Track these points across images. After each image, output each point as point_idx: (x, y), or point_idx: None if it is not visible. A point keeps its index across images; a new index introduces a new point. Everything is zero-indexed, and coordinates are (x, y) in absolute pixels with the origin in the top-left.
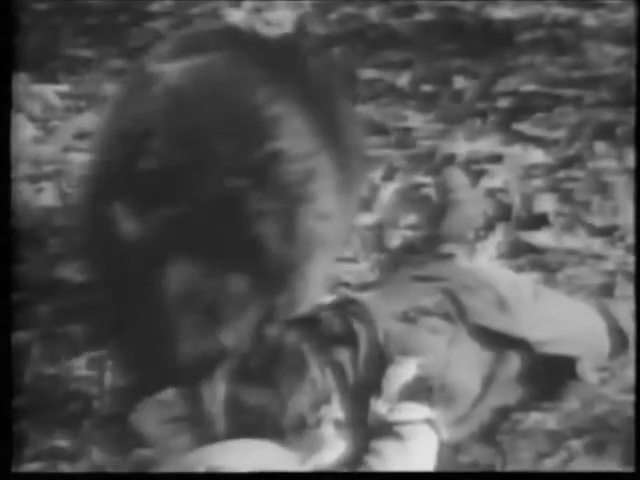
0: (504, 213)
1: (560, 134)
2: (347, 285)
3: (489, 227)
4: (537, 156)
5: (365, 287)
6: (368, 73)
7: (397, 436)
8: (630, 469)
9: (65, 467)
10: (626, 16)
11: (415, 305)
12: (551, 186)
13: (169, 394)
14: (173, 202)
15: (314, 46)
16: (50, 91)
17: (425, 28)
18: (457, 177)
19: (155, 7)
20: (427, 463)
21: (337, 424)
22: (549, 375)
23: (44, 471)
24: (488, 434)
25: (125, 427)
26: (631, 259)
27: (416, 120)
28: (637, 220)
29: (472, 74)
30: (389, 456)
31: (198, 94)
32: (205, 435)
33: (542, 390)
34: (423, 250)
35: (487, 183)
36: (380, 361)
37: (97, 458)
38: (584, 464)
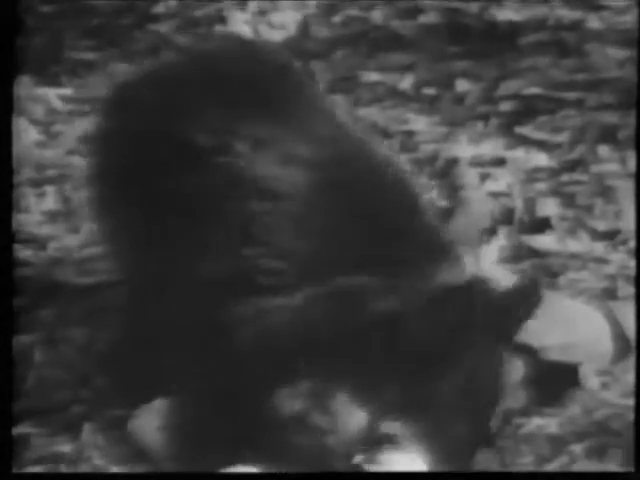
0: (507, 217)
1: (563, 137)
2: None
3: (492, 231)
4: (540, 159)
5: None
6: (371, 76)
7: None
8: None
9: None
10: (629, 19)
11: None
12: (554, 190)
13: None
14: None
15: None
16: (53, 94)
17: (428, 30)
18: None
19: (159, 9)
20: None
21: None
22: (551, 380)
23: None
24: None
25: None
26: (633, 263)
27: (419, 123)
28: (639, 224)
29: (475, 77)
30: (387, 458)
31: None
32: None
33: (544, 395)
34: None
35: (490, 187)
36: None
37: (98, 463)
38: (585, 468)
